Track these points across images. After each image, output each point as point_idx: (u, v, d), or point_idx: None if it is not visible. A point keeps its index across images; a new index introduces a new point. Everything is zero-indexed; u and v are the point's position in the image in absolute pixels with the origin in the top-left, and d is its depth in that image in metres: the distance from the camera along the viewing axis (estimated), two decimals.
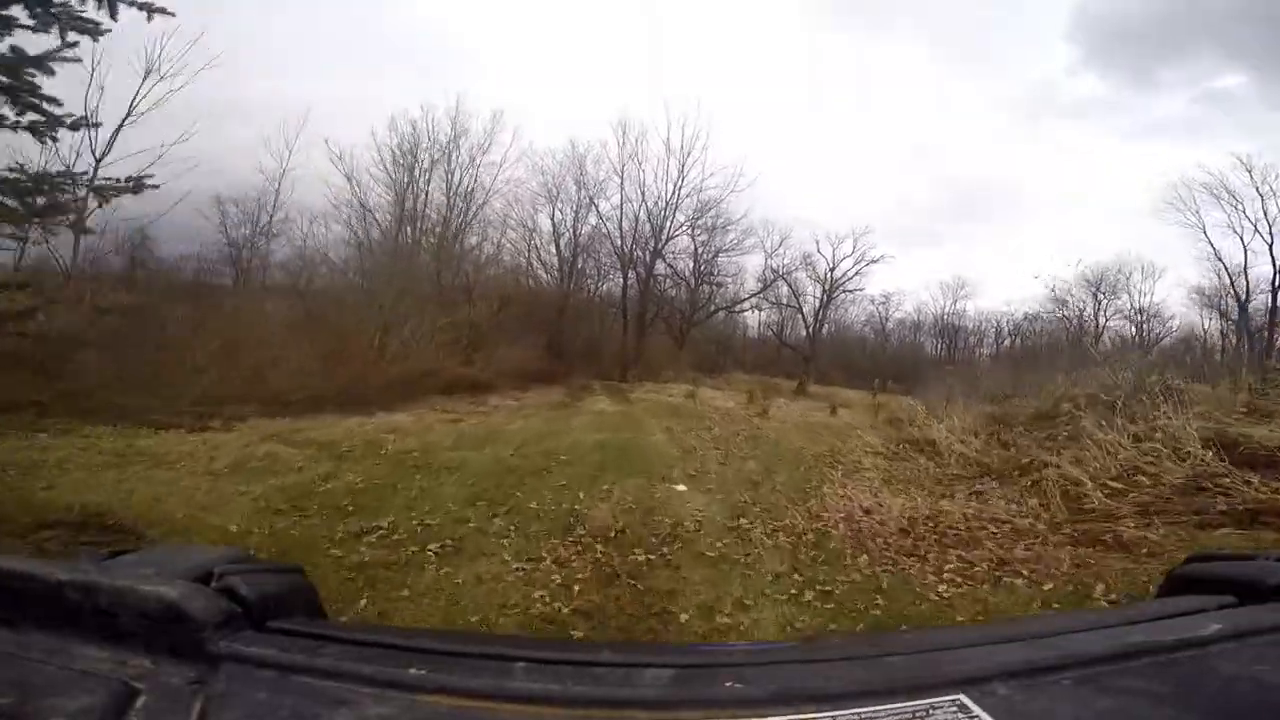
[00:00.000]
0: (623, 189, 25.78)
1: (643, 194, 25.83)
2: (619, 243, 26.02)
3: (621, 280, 26.19)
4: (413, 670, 0.54)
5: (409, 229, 21.99)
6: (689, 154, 25.69)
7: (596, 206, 25.70)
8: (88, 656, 0.54)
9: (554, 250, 25.64)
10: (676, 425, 10.48)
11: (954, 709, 0.48)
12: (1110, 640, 0.58)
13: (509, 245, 24.81)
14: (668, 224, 26.13)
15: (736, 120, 43.68)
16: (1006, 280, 60.86)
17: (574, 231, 25.56)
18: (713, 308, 29.12)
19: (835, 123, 45.98)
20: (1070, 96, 43.17)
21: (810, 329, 33.16)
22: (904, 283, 43.23)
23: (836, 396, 24.13)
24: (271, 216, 22.25)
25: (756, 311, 33.41)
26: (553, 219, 25.67)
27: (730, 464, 7.67)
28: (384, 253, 20.46)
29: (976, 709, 0.48)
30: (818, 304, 32.63)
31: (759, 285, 30.16)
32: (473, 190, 23.24)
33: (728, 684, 0.53)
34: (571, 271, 25.59)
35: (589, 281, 26.71)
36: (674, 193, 25.88)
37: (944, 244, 53.00)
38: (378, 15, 37.19)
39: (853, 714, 0.48)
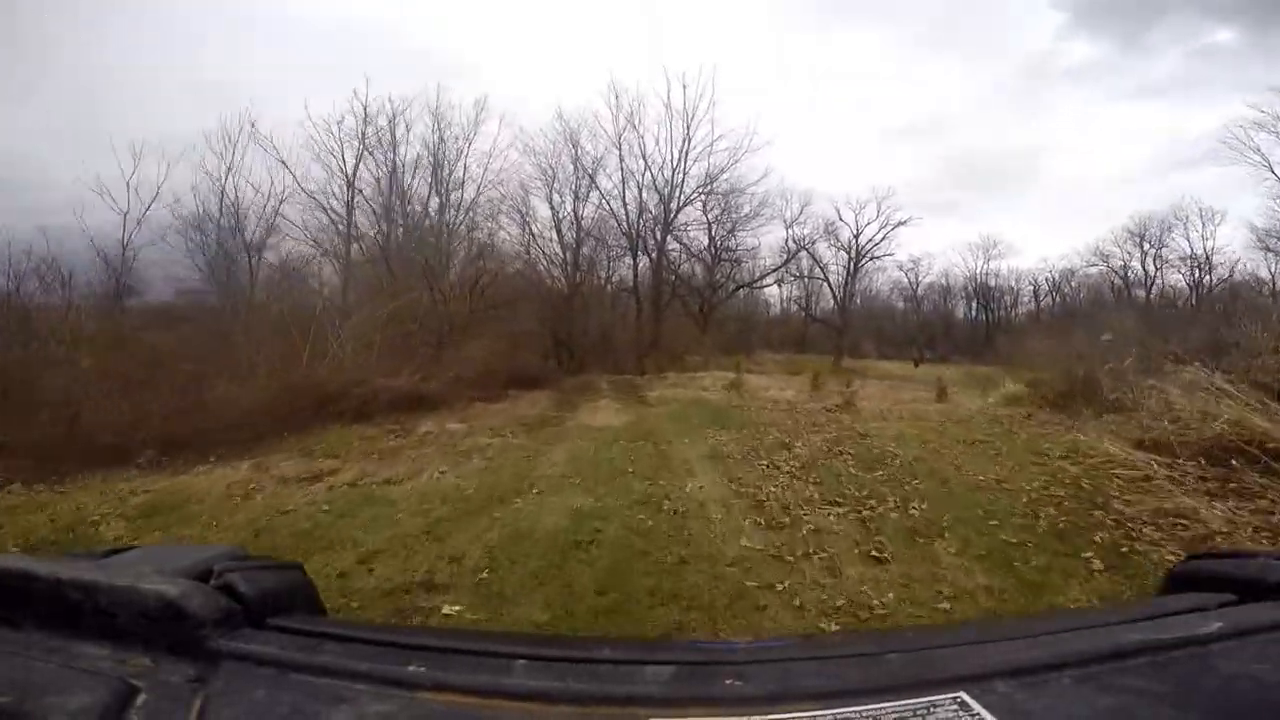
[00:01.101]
0: (622, 162, 23.10)
1: (645, 162, 23.03)
2: (625, 221, 23.33)
3: (631, 262, 23.69)
4: (412, 667, 0.54)
5: (388, 227, 20.61)
6: (694, 114, 22.90)
7: (597, 184, 23.04)
8: (88, 655, 0.54)
9: (555, 236, 23.19)
10: (726, 444, 6.74)
11: (955, 706, 0.48)
12: (1111, 638, 0.58)
13: (507, 236, 22.64)
14: (677, 194, 23.36)
15: (739, 89, 42.08)
16: (1030, 243, 60.80)
17: (575, 215, 23.00)
18: (734, 285, 26.57)
19: (836, 100, 45.49)
20: (1066, 62, 43.09)
21: (839, 300, 31.11)
22: (925, 250, 42.29)
23: (873, 370, 22.55)
24: (241, 231, 20.29)
25: (778, 287, 31.37)
26: (550, 202, 23.08)
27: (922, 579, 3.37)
28: (339, 254, 19.05)
29: (977, 706, 0.48)
30: (844, 273, 30.67)
31: (781, 257, 27.70)
32: (464, 181, 21.55)
33: (728, 681, 0.53)
34: (576, 258, 23.02)
35: (598, 268, 24.03)
36: (680, 159, 23.10)
37: (959, 211, 52.66)
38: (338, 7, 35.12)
39: (854, 711, 0.48)
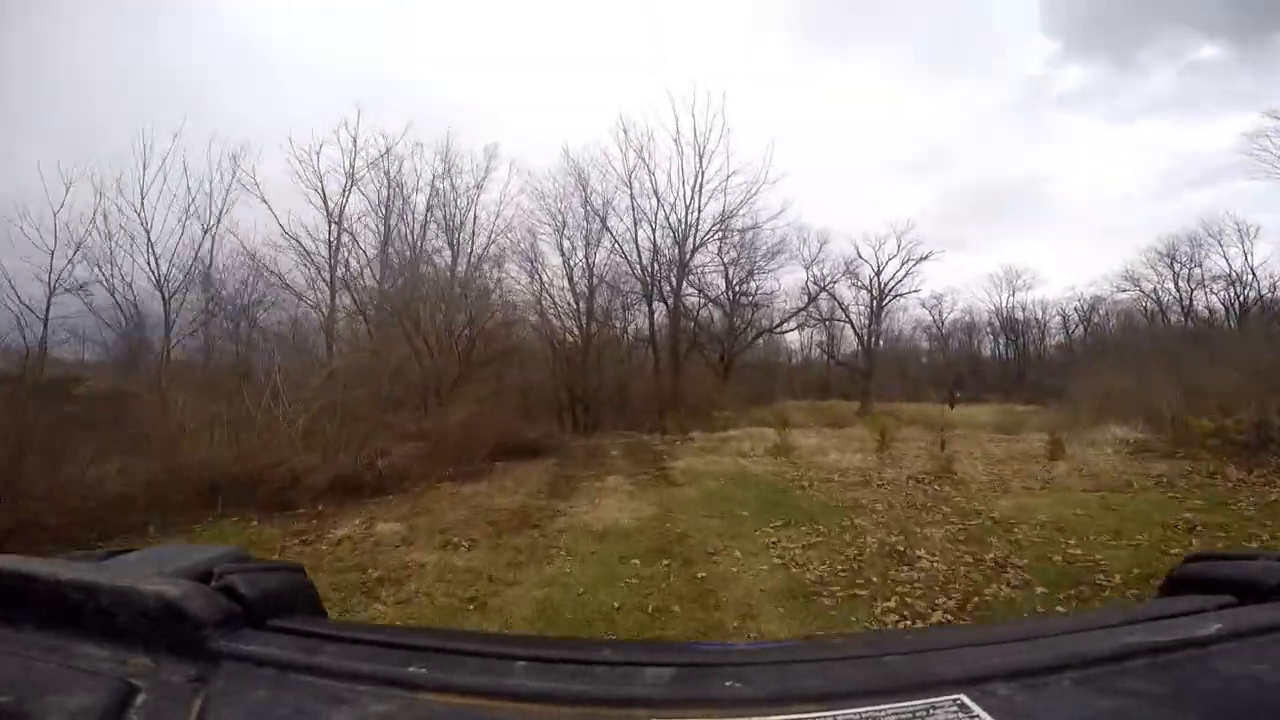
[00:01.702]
0: (633, 201, 21.79)
1: (658, 200, 21.74)
2: (638, 265, 21.91)
3: (647, 309, 22.17)
4: (412, 668, 0.54)
5: (380, 274, 19.14)
6: (706, 146, 21.67)
7: (608, 227, 21.74)
8: (88, 655, 0.54)
9: (567, 284, 21.66)
10: (801, 555, 4.54)
11: (954, 709, 0.48)
12: (1110, 640, 0.58)
13: (516, 285, 21.26)
14: (692, 234, 21.97)
15: (749, 119, 42.16)
16: (1046, 272, 60.30)
17: (587, 261, 21.57)
18: (755, 331, 24.85)
19: (834, 137, 45.84)
20: (1060, 88, 43.67)
21: (864, 341, 29.75)
22: (940, 286, 41.57)
23: (903, 413, 20.43)
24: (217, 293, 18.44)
25: (797, 331, 29.54)
26: (561, 248, 21.72)
27: None
28: (323, 304, 17.18)
29: (977, 709, 0.48)
30: (867, 313, 29.33)
31: (801, 300, 25.95)
32: (475, 233, 20.59)
33: (728, 683, 0.53)
34: (590, 306, 21.46)
35: (613, 317, 22.48)
36: (694, 195, 21.86)
37: (969, 245, 53.24)
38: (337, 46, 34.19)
39: (853, 713, 0.48)
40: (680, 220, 22.05)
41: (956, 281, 53.10)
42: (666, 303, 22.19)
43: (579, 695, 0.51)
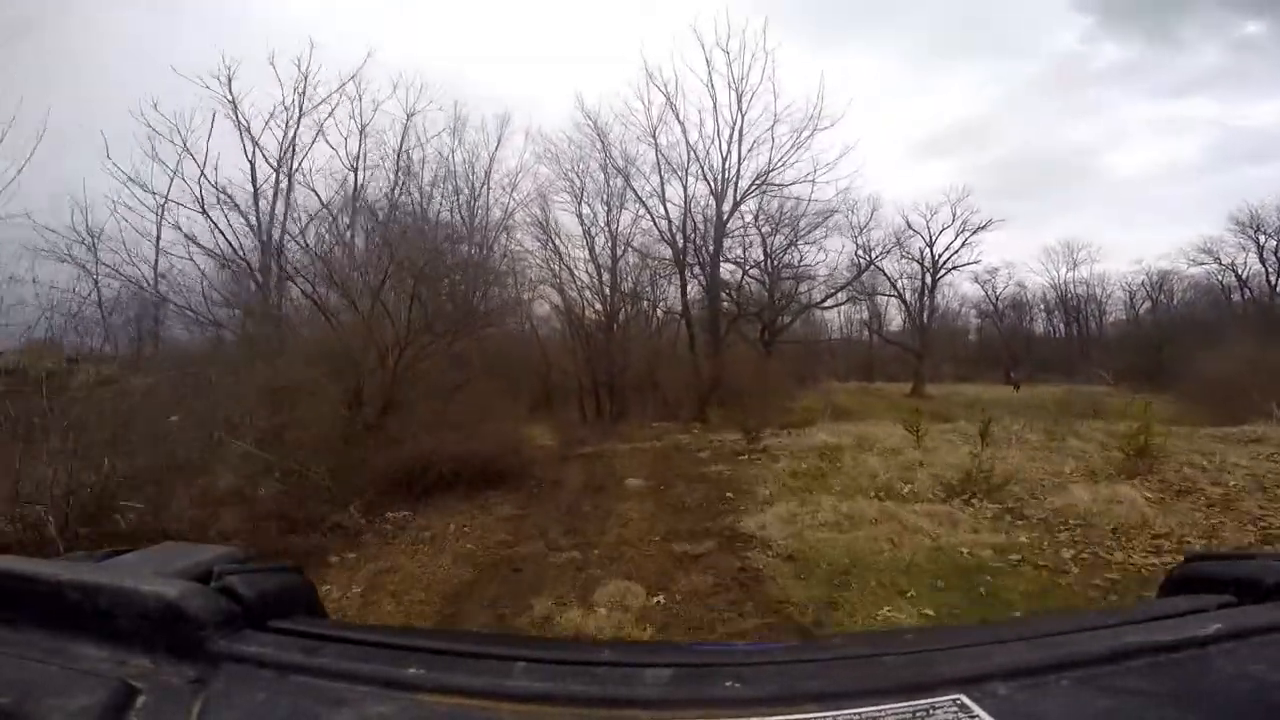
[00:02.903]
0: (659, 156, 18.08)
1: (689, 149, 18.02)
2: (666, 223, 18.37)
3: (679, 279, 18.74)
4: (412, 669, 0.54)
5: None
6: (744, 83, 17.68)
7: (632, 186, 18.23)
8: (87, 656, 0.54)
9: (587, 254, 18.55)
10: None
11: (954, 709, 0.48)
12: (1110, 640, 0.58)
13: (536, 262, 18.32)
14: (730, 190, 18.08)
15: (788, 64, 35.39)
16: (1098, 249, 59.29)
17: (609, 227, 18.38)
18: (799, 305, 21.41)
19: (869, 113, 44.56)
20: (1097, 64, 42.94)
21: (916, 319, 27.14)
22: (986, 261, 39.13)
23: (958, 396, 18.88)
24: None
25: (837, 308, 26.07)
26: (580, 215, 18.52)
27: None
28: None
29: (976, 709, 0.48)
30: (919, 288, 26.58)
31: (849, 271, 22.33)
32: (489, 209, 17.90)
33: (727, 684, 0.53)
34: (614, 278, 18.48)
35: (641, 289, 19.25)
36: (730, 148, 17.90)
37: (1015, 223, 51.34)
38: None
39: (853, 714, 0.48)
40: (717, 173, 18.23)
41: (996, 258, 51.19)
42: (704, 269, 18.72)
43: (579, 696, 0.51)
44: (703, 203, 18.54)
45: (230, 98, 14.80)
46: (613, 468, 8.92)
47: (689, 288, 19.17)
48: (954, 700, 0.49)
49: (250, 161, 15.23)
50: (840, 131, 24.99)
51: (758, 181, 18.40)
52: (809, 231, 19.62)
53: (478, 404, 10.29)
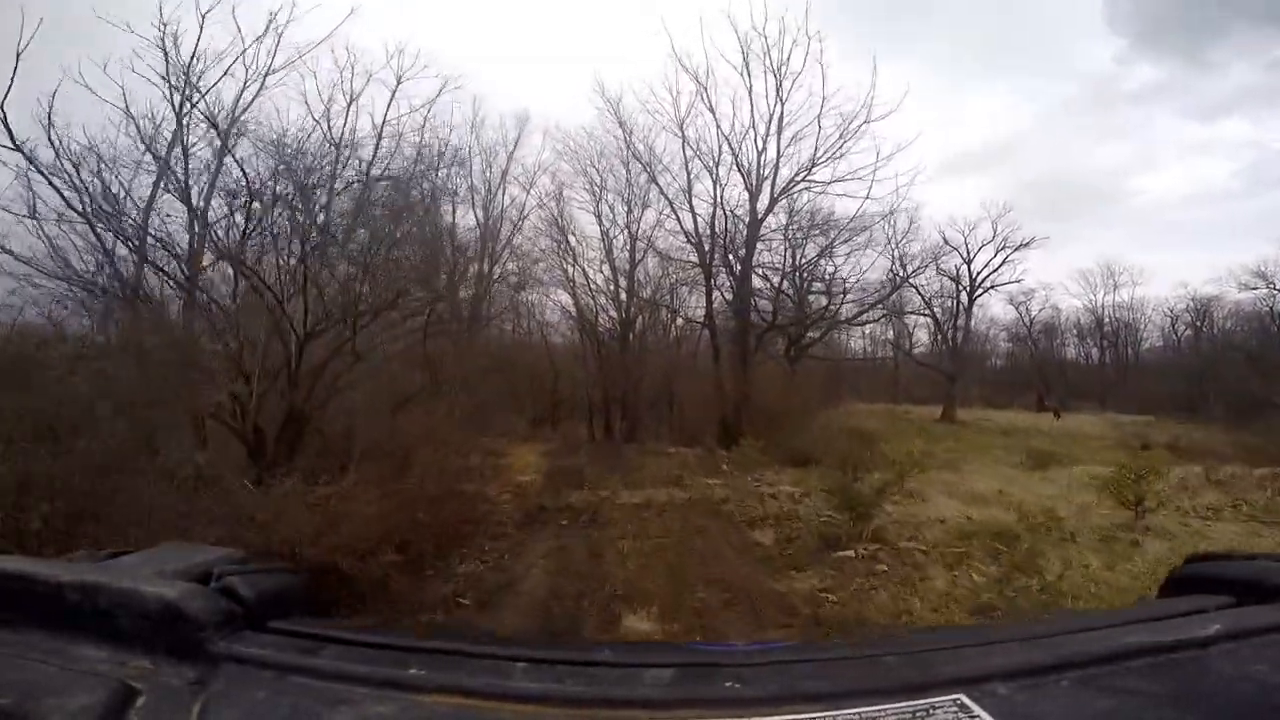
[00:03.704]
0: (685, 150, 15.84)
1: (724, 140, 15.69)
2: (695, 231, 16.19)
3: (704, 283, 16.50)
4: (412, 670, 0.54)
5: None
6: (784, 66, 15.10)
7: (656, 181, 16.15)
8: (88, 656, 0.54)
9: (603, 254, 16.91)
10: None
11: (954, 709, 0.48)
12: (1110, 640, 0.58)
13: (546, 256, 16.87)
14: (768, 185, 15.70)
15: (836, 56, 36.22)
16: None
17: (629, 229, 16.65)
18: (827, 320, 19.21)
19: (895, 128, 44.32)
20: (1128, 86, 42.04)
21: (949, 339, 25.86)
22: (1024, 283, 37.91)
23: (988, 423, 17.37)
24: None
25: (869, 324, 24.15)
26: (598, 216, 16.82)
27: None
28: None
29: (976, 709, 0.48)
30: (954, 307, 25.20)
31: (882, 287, 19.87)
32: (503, 210, 16.65)
33: (727, 684, 0.53)
34: (630, 283, 16.86)
35: (660, 296, 17.47)
36: (764, 142, 15.47)
37: (1045, 244, 51.30)
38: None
39: (853, 714, 0.48)
40: (751, 166, 15.76)
41: (1028, 280, 50.23)
42: (732, 274, 16.37)
43: (579, 696, 0.51)
44: (734, 202, 16.24)
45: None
46: (603, 560, 5.46)
47: (716, 294, 16.91)
48: (954, 700, 0.49)
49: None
50: (892, 125, 21.75)
51: (799, 176, 15.75)
52: (849, 237, 17.23)
53: (438, 424, 7.51)
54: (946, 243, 22.71)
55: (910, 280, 20.93)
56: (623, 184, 16.69)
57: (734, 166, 15.80)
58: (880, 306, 20.72)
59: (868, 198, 15.87)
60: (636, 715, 0.49)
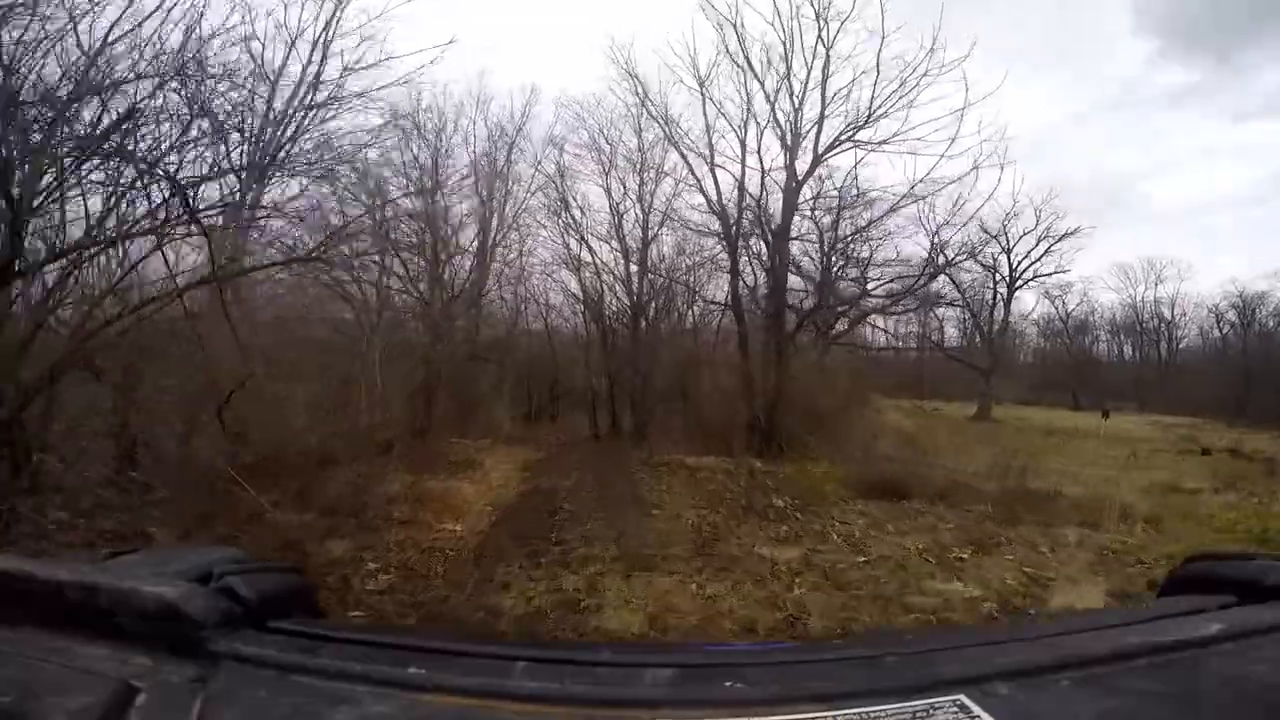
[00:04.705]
0: (705, 108, 12.66)
1: (759, 87, 12.18)
2: (716, 200, 12.93)
3: (730, 261, 13.09)
4: (412, 669, 0.54)
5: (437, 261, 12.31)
6: (829, 6, 11.43)
7: (674, 141, 13.20)
8: (88, 656, 0.54)
9: (612, 230, 14.85)
10: None
11: (955, 709, 0.48)
12: (1111, 640, 0.58)
13: (549, 227, 15.21)
14: (811, 141, 12.18)
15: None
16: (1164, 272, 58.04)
17: (641, 200, 14.42)
18: (860, 310, 16.13)
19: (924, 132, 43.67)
20: (1159, 88, 42.02)
21: (986, 333, 24.44)
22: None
23: (1027, 421, 16.28)
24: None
25: (905, 314, 20.93)
26: (607, 189, 14.58)
27: None
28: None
29: (977, 709, 0.48)
30: (992, 298, 23.61)
31: (923, 271, 15.76)
32: (509, 189, 14.87)
33: (728, 684, 0.53)
34: (643, 260, 14.79)
35: (675, 277, 15.05)
36: (804, 92, 12.03)
37: (1067, 241, 51.75)
38: None
39: (853, 714, 0.48)
40: (789, 119, 12.27)
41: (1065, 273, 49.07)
42: (768, 244, 12.85)
43: (579, 696, 0.51)
44: (767, 163, 12.62)
45: None
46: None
47: (742, 274, 13.57)
48: (954, 700, 0.49)
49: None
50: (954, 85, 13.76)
51: (850, 128, 12.05)
52: (905, 205, 12.92)
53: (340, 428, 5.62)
54: (985, 230, 19.43)
55: (953, 264, 16.92)
56: (634, 151, 14.29)
57: (771, 121, 12.41)
58: (913, 295, 16.84)
59: (943, 154, 11.50)
60: (636, 715, 0.49)
